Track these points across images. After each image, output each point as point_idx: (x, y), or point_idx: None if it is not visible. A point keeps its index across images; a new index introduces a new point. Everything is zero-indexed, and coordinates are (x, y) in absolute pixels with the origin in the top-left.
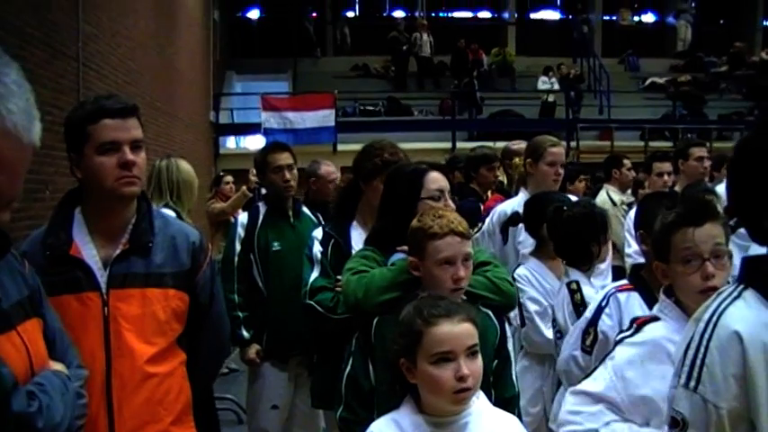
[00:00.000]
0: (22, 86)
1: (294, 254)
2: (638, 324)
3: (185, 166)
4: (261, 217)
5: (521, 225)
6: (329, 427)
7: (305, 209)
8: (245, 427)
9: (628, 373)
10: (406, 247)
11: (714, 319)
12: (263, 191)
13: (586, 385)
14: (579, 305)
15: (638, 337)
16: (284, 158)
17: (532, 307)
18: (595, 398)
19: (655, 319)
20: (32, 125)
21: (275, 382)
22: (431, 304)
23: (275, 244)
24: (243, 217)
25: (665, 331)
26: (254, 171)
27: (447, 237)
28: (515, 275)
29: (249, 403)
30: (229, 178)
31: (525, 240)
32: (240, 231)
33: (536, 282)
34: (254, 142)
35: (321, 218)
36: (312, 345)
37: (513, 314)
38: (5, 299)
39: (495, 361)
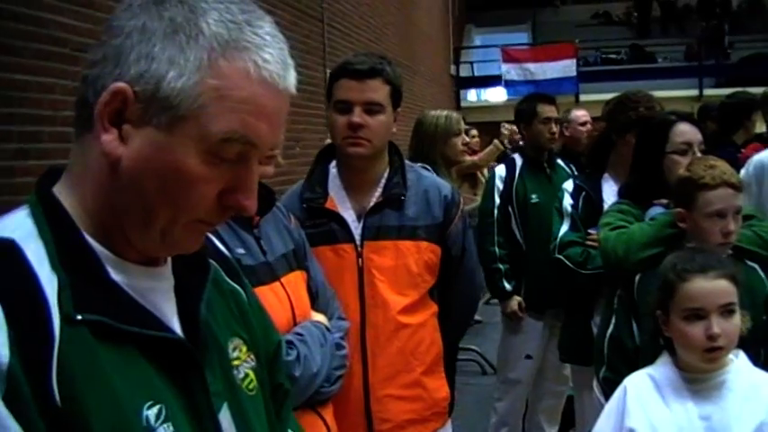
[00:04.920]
0: (276, 37)
1: (552, 206)
2: None
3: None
4: (518, 169)
5: None
6: (575, 384)
7: (559, 161)
8: (489, 378)
9: None
10: (664, 201)
11: None
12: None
13: None
14: None
15: None
16: (552, 111)
17: None
18: None
19: None
20: (287, 73)
21: (531, 332)
22: (686, 258)
23: (533, 196)
24: (500, 169)
25: None
26: (506, 124)
27: (719, 188)
28: None
29: (502, 353)
30: (474, 132)
31: None
32: (498, 184)
33: None
34: (496, 94)
35: (574, 169)
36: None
37: None
38: (270, 253)
39: (765, 316)
